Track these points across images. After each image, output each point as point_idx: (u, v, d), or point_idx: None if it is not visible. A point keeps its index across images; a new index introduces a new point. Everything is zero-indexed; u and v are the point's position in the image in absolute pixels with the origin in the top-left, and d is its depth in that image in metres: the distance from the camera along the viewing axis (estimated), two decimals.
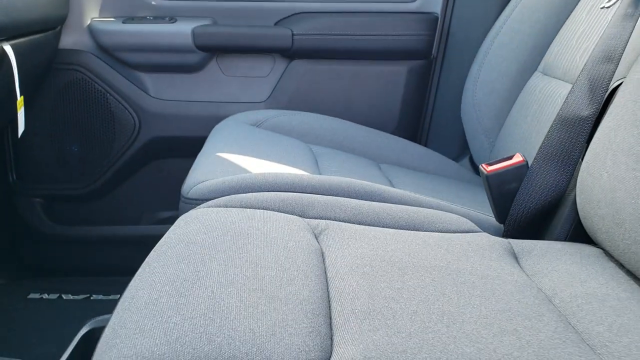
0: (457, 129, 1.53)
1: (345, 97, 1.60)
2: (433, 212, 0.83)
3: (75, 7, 1.54)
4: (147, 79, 1.60)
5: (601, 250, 0.78)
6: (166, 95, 1.60)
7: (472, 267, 0.68)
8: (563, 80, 1.22)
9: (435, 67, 1.61)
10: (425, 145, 1.62)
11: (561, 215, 0.83)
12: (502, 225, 0.91)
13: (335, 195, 0.88)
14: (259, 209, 0.78)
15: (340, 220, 0.78)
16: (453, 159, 1.54)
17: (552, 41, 1.32)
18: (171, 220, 1.09)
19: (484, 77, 1.42)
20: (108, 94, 1.57)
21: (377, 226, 0.78)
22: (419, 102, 1.62)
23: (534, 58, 1.34)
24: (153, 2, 1.57)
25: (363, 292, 0.59)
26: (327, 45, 1.55)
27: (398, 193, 0.91)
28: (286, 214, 0.77)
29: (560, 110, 0.85)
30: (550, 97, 1.22)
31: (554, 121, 0.86)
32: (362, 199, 0.88)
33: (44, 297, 1.58)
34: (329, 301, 0.57)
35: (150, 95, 1.59)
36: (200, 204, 0.91)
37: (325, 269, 0.65)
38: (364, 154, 1.41)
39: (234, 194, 0.89)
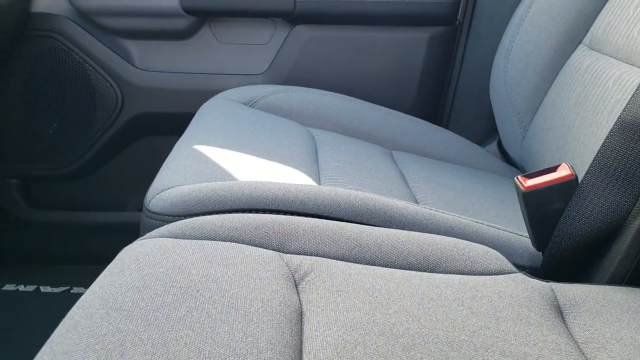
0: (485, 109, 1.32)
1: (355, 69, 1.40)
2: (453, 243, 0.64)
3: None
4: (132, 46, 1.40)
5: None
6: (153, 66, 1.41)
7: (504, 341, 0.49)
8: (615, 58, 1.00)
9: (461, 35, 1.39)
10: (447, 126, 1.42)
11: (619, 249, 0.64)
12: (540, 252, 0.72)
13: (328, 215, 0.70)
14: (225, 240, 0.60)
15: (330, 257, 0.60)
16: (479, 143, 1.34)
17: (601, 8, 1.10)
18: None
19: (517, 49, 1.20)
20: (87, 65, 1.38)
21: (379, 265, 0.60)
22: (441, 75, 1.41)
23: (578, 28, 1.12)
24: None
25: None
26: (335, 9, 1.34)
27: (409, 210, 0.72)
28: (259, 249, 0.59)
29: (624, 111, 0.65)
30: (598, 77, 1.01)
31: (614, 125, 0.65)
32: (361, 220, 0.70)
33: (19, 288, 1.44)
34: None
35: (134, 66, 1.40)
36: (161, 220, 0.74)
37: (300, 347, 0.47)
38: (374, 139, 1.22)
39: (200, 210, 0.71)
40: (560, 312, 0.57)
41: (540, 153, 1.12)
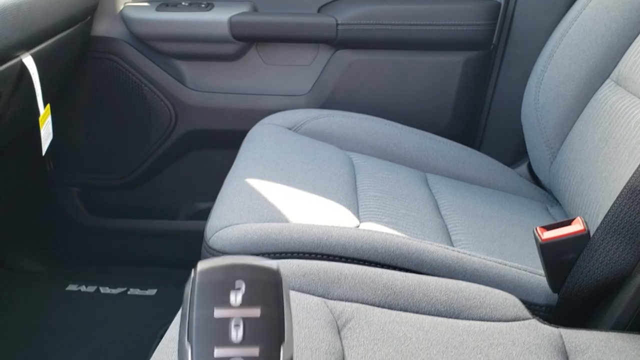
0: (517, 131, 1.39)
1: (394, 90, 1.48)
2: (476, 290, 0.73)
3: None
4: (184, 68, 1.51)
5: None
6: (203, 86, 1.51)
7: None
8: (639, 97, 1.06)
9: (495, 59, 1.46)
10: (480, 147, 1.49)
11: (624, 298, 0.72)
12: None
13: (367, 259, 0.79)
14: None
15: (368, 304, 0.70)
16: (509, 164, 1.41)
17: (629, 45, 1.16)
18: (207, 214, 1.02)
19: (548, 79, 1.27)
20: (143, 85, 1.50)
21: (411, 311, 0.70)
22: (475, 98, 1.48)
23: (606, 63, 1.18)
24: None
25: None
26: (375, 35, 1.42)
27: (438, 254, 0.81)
28: (308, 296, 0.69)
29: (632, 178, 0.72)
30: (622, 116, 1.08)
31: (623, 189, 0.73)
32: (396, 263, 0.79)
33: (81, 289, 1.57)
34: None
35: (186, 87, 1.50)
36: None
37: None
38: (410, 162, 1.30)
39: (255, 251, 0.81)
40: (566, 358, 0.66)
41: (565, 181, 1.19)
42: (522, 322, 0.70)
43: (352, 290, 0.71)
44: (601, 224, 0.74)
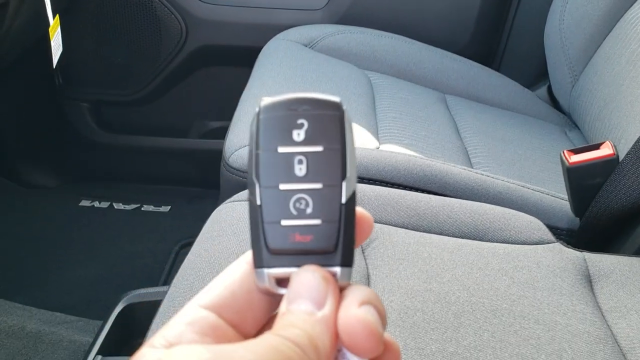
0: (538, 52, 1.35)
1: (412, 6, 1.43)
2: (501, 213, 0.72)
3: None
4: None
5: None
6: None
7: (539, 310, 0.59)
8: None
9: None
10: (500, 67, 1.45)
11: None
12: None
13: (389, 180, 0.78)
14: None
15: (392, 224, 0.69)
16: (529, 86, 1.38)
17: None
18: (221, 132, 0.99)
19: None
20: None
21: (435, 233, 0.69)
22: (497, 16, 1.43)
23: None
24: None
25: (410, 356, 0.52)
26: None
27: (462, 177, 0.80)
28: None
29: None
30: None
31: None
32: (419, 186, 0.78)
33: (95, 204, 1.57)
34: None
35: None
36: (240, 176, 0.84)
37: None
38: (429, 82, 1.27)
39: None
40: (589, 281, 0.66)
41: (587, 105, 1.16)
42: (547, 245, 0.70)
43: (375, 211, 0.70)
44: (632, 148, 0.73)
